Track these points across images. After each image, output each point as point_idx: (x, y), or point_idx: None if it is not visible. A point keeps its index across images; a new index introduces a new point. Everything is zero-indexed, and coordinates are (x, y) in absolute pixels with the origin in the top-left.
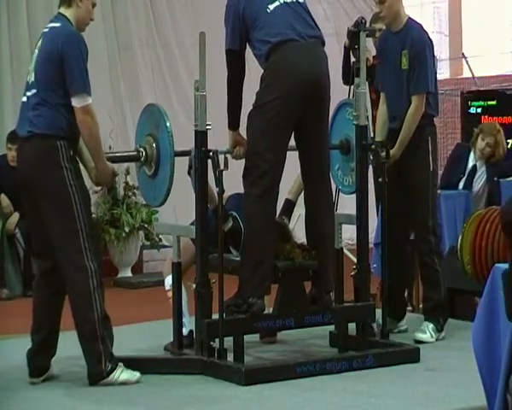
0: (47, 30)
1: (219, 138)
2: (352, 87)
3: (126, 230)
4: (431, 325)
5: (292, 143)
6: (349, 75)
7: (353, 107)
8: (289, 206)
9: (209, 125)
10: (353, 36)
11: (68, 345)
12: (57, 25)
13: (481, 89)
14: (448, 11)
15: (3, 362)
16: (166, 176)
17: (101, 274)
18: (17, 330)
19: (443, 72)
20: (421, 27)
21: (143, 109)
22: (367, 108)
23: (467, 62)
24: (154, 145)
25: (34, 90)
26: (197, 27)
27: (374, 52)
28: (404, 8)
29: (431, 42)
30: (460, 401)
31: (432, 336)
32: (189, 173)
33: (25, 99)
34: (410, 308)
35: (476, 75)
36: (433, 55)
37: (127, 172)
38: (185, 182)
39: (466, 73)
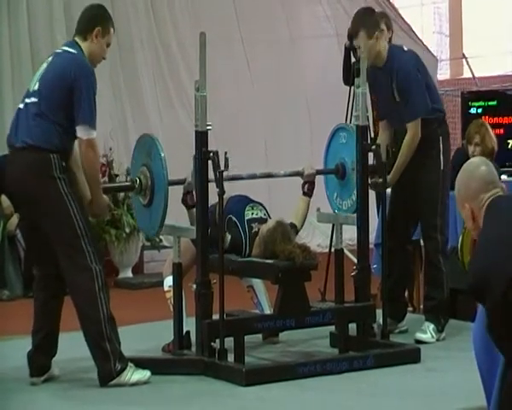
0: (60, 51)
1: (220, 139)
2: (352, 87)
3: (127, 230)
4: (432, 326)
5: (291, 168)
6: (349, 76)
7: (355, 108)
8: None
9: (209, 125)
10: None
11: (70, 346)
12: (73, 51)
13: (482, 89)
14: (448, 11)
15: (4, 363)
16: (161, 204)
17: (105, 275)
18: (18, 331)
19: (443, 72)
20: (403, 53)
21: (137, 141)
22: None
23: (467, 63)
24: (148, 175)
25: (35, 99)
26: (197, 28)
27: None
28: (385, 41)
29: (416, 61)
30: (460, 401)
31: (432, 337)
32: (183, 201)
33: (22, 106)
34: (410, 309)
35: (477, 75)
36: (423, 70)
37: (128, 173)
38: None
39: (466, 74)
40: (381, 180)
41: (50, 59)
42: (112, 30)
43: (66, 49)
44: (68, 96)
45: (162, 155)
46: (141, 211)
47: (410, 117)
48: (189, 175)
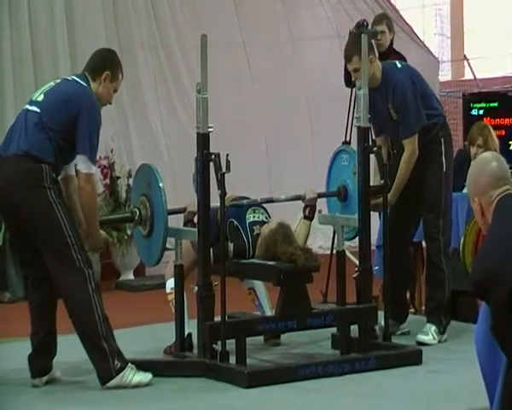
0: (70, 79)
1: (221, 141)
2: (353, 89)
3: (128, 232)
4: (433, 327)
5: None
6: (351, 77)
7: (357, 110)
8: None
9: (211, 127)
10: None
11: (70, 349)
12: (84, 84)
13: (483, 90)
14: (450, 13)
15: (6, 365)
16: (160, 235)
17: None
18: (19, 333)
19: (445, 74)
20: (397, 70)
21: (137, 170)
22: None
23: (469, 64)
24: (147, 205)
25: (37, 109)
26: (199, 29)
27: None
28: (378, 63)
29: (410, 75)
30: (462, 403)
31: (434, 338)
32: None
33: (22, 111)
34: (412, 310)
35: (478, 77)
36: (418, 80)
37: (129, 175)
38: (188, 185)
39: (468, 75)
40: (381, 199)
41: (59, 81)
42: (120, 76)
43: (77, 79)
44: (70, 123)
45: (161, 185)
46: (141, 241)
47: (407, 134)
48: (190, 204)
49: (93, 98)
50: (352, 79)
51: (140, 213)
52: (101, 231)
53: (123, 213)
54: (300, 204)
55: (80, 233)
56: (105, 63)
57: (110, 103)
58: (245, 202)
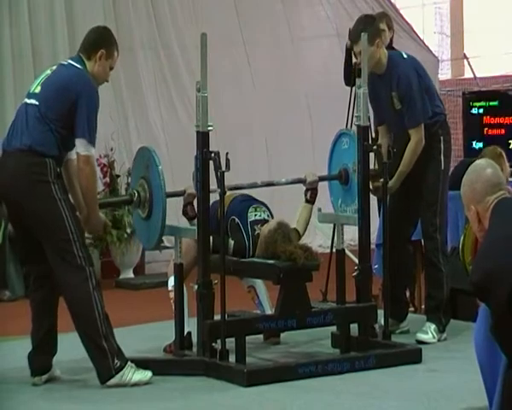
0: (66, 63)
1: (221, 139)
2: (353, 88)
3: (128, 231)
4: (433, 326)
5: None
6: (351, 76)
7: (356, 108)
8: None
9: (211, 126)
10: None
11: (71, 347)
12: (79, 66)
13: (483, 89)
14: (449, 12)
15: (5, 364)
16: (159, 217)
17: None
18: (19, 332)
19: (444, 72)
20: (403, 60)
21: (136, 153)
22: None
23: (468, 63)
24: (146, 187)
25: (35, 102)
26: (198, 28)
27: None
28: (384, 49)
29: (416, 67)
30: (462, 402)
31: (434, 337)
32: (184, 213)
33: (21, 106)
34: (412, 309)
35: (478, 76)
36: (423, 74)
37: (129, 174)
38: (188, 183)
39: (467, 74)
40: (381, 183)
41: (55, 68)
42: (116, 54)
43: (72, 63)
44: (69, 109)
45: (159, 167)
46: (139, 223)
47: (413, 124)
48: (189, 187)
49: (90, 81)
50: (357, 61)
51: (139, 195)
52: (101, 214)
53: (122, 196)
54: (300, 195)
55: (83, 230)
56: (100, 42)
57: (107, 81)
58: (245, 184)
